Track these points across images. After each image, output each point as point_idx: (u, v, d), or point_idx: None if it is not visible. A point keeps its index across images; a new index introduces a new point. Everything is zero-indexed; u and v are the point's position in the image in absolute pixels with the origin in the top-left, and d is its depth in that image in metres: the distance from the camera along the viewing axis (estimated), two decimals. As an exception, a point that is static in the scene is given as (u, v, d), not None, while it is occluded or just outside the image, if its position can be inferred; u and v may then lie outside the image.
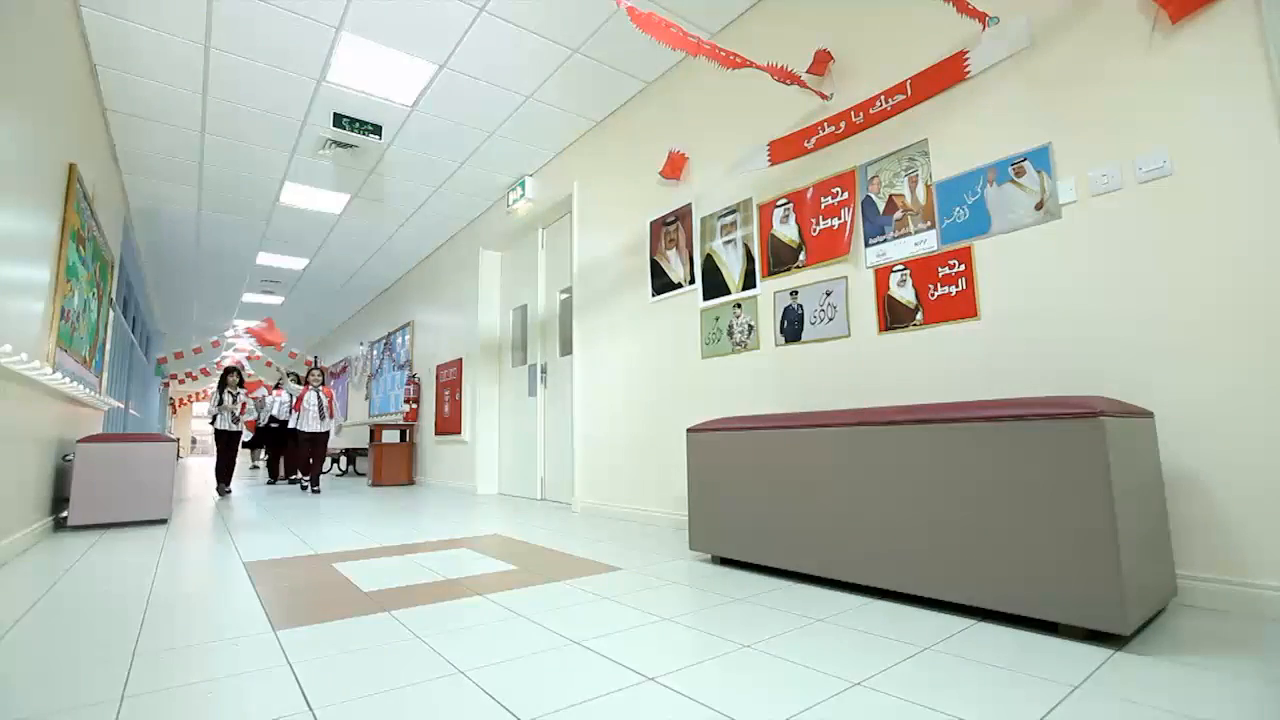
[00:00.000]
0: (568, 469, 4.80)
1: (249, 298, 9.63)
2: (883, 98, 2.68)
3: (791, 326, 3.02)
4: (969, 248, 2.38)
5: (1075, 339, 2.08)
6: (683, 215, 3.75)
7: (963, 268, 2.39)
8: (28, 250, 2.81)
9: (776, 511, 2.22)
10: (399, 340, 8.84)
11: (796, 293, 3.01)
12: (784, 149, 3.11)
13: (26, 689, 1.31)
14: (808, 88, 2.87)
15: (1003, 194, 2.30)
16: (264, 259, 7.68)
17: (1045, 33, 2.21)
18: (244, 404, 6.68)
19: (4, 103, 2.36)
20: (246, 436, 9.19)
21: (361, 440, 10.03)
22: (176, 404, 20.46)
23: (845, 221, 2.82)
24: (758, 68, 2.61)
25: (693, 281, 3.64)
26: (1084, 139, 2.10)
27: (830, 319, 2.84)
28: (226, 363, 14.42)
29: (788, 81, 2.79)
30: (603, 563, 2.53)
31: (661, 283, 3.87)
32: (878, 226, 2.70)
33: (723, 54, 2.53)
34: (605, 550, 2.80)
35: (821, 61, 2.92)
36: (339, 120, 4.43)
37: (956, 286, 2.41)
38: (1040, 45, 2.23)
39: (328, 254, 7.57)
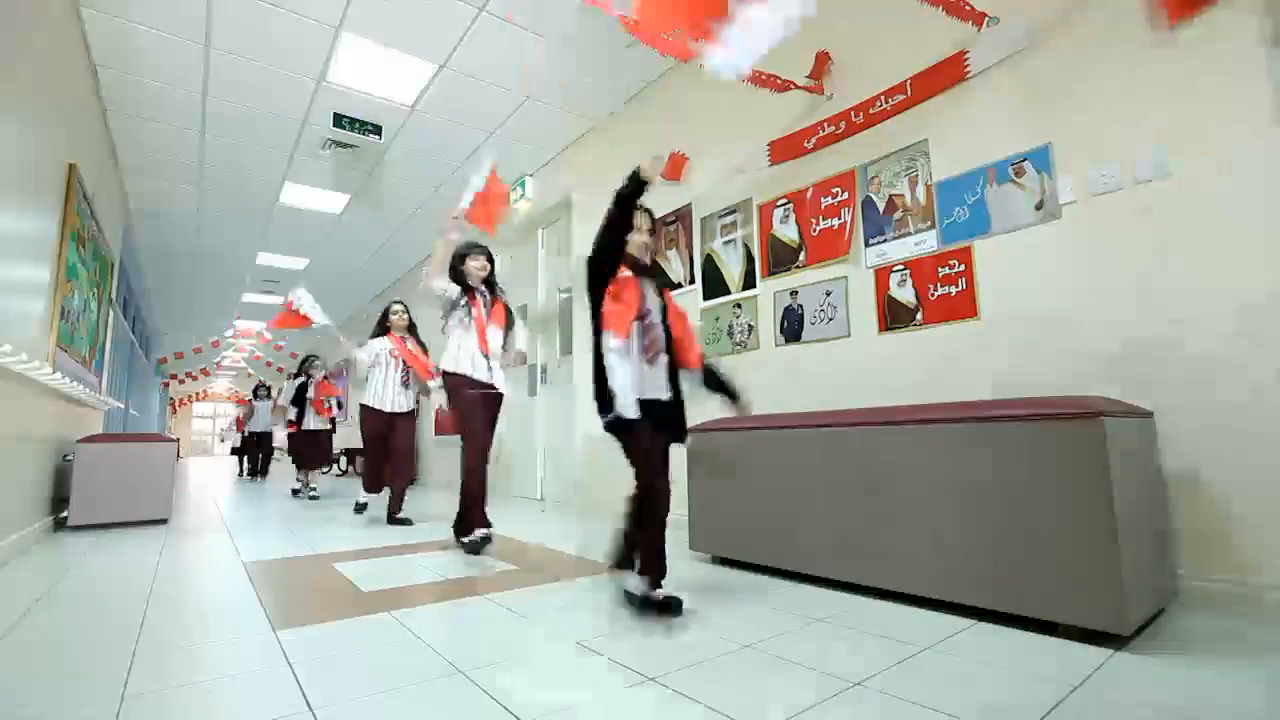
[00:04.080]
0: (568, 469, 4.79)
1: (249, 298, 9.62)
2: (883, 98, 2.68)
3: (791, 326, 3.02)
4: (969, 248, 2.38)
5: (1075, 339, 2.08)
6: (683, 215, 3.74)
7: (963, 268, 2.39)
8: (28, 250, 2.81)
9: (776, 511, 2.22)
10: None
11: (796, 293, 3.01)
12: (784, 149, 3.10)
13: (27, 689, 1.31)
14: (803, 89, 2.86)
15: (1003, 194, 2.29)
16: (264, 259, 7.68)
17: (1045, 32, 2.21)
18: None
19: (4, 103, 2.36)
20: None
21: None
22: (176, 404, 20.45)
23: (845, 221, 2.82)
24: (749, 80, 2.62)
25: (693, 281, 3.64)
26: (1084, 139, 2.10)
27: (830, 319, 2.84)
28: (226, 362, 14.42)
29: (783, 89, 2.80)
30: (603, 562, 2.53)
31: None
32: (878, 226, 2.70)
33: None
34: (605, 550, 2.80)
35: (821, 62, 2.92)
36: (339, 120, 4.43)
37: (956, 286, 2.41)
38: (1040, 45, 2.23)
39: (328, 254, 7.56)
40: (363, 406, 4.00)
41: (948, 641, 1.51)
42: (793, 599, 1.94)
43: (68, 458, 3.77)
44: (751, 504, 2.32)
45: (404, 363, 4.06)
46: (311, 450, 5.95)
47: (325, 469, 6.13)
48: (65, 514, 3.64)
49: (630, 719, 1.15)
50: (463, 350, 3.03)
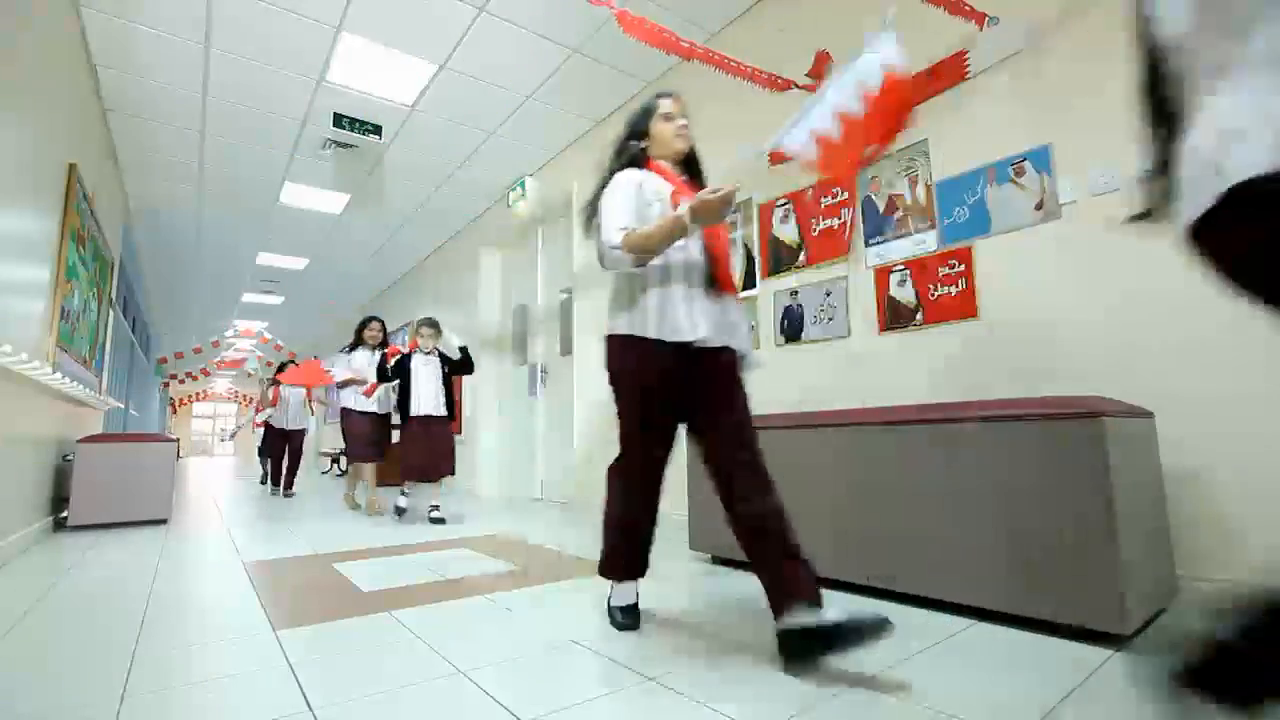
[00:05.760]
0: (568, 469, 4.79)
1: (249, 298, 9.62)
2: (883, 98, 2.68)
3: (791, 326, 3.02)
4: (969, 248, 2.38)
5: (1075, 339, 2.08)
6: (683, 215, 3.74)
7: (963, 268, 2.39)
8: (28, 250, 2.81)
9: (776, 511, 2.22)
10: (399, 340, 8.84)
11: (796, 293, 3.01)
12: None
13: (27, 689, 1.31)
14: (803, 88, 2.86)
15: (1003, 194, 2.30)
16: (264, 259, 7.68)
17: (1046, 32, 2.21)
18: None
19: (4, 103, 2.36)
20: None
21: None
22: (176, 404, 20.45)
23: (845, 221, 2.82)
24: (749, 78, 2.61)
25: (693, 281, 3.63)
26: (1084, 139, 2.10)
27: (830, 319, 2.84)
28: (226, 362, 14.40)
29: (783, 88, 2.80)
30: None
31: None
32: (878, 226, 2.70)
33: (715, 58, 2.52)
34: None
35: (821, 62, 2.92)
36: (339, 120, 4.43)
37: (956, 286, 2.41)
38: (1040, 45, 2.23)
39: (328, 254, 7.56)
40: (616, 340, 1.78)
41: (948, 641, 1.51)
42: (793, 599, 1.93)
43: (68, 458, 3.77)
44: (751, 504, 2.32)
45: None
46: (426, 449, 3.86)
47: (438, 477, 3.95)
48: (65, 514, 3.64)
49: (630, 718, 1.15)
50: None
